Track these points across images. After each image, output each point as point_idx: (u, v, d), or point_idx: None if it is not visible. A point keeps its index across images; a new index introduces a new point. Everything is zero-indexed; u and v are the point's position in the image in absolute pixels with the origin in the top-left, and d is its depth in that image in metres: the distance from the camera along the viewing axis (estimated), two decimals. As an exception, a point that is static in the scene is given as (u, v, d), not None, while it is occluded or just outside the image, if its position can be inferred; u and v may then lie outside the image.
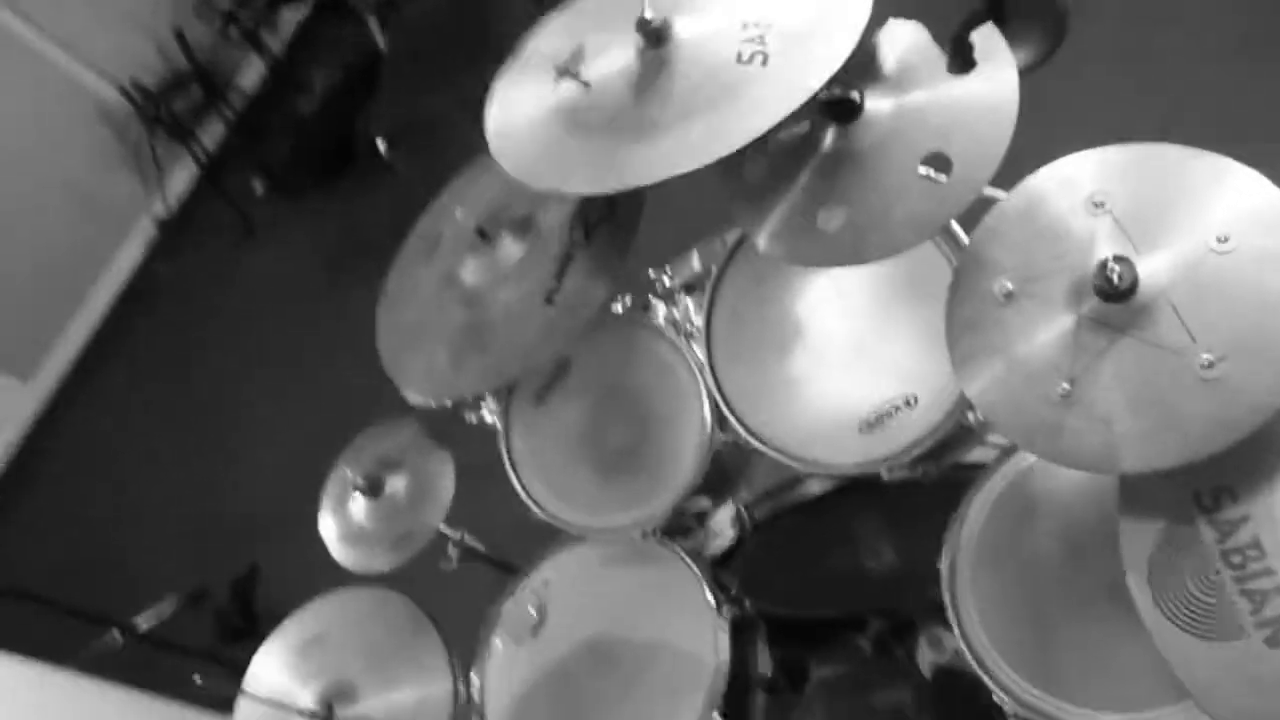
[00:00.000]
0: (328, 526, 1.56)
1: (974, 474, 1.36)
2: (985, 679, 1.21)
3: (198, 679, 1.29)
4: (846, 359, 1.33)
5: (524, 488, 1.52)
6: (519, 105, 1.24)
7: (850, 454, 1.29)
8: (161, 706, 2.22)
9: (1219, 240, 0.97)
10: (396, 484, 1.52)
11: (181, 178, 4.43)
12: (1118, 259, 0.99)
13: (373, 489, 1.50)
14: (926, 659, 1.69)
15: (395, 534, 1.47)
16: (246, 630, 2.83)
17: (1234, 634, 0.95)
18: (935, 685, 1.62)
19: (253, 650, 2.76)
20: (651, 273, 1.64)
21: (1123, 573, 1.03)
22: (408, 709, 1.40)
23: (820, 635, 1.58)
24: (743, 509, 1.62)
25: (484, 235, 1.40)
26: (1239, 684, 0.94)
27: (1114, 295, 0.99)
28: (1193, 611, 0.98)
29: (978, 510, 1.33)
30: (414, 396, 1.42)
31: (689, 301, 1.59)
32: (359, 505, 1.52)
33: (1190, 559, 0.99)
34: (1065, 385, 1.01)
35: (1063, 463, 1.02)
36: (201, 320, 3.92)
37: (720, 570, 1.58)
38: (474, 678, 1.51)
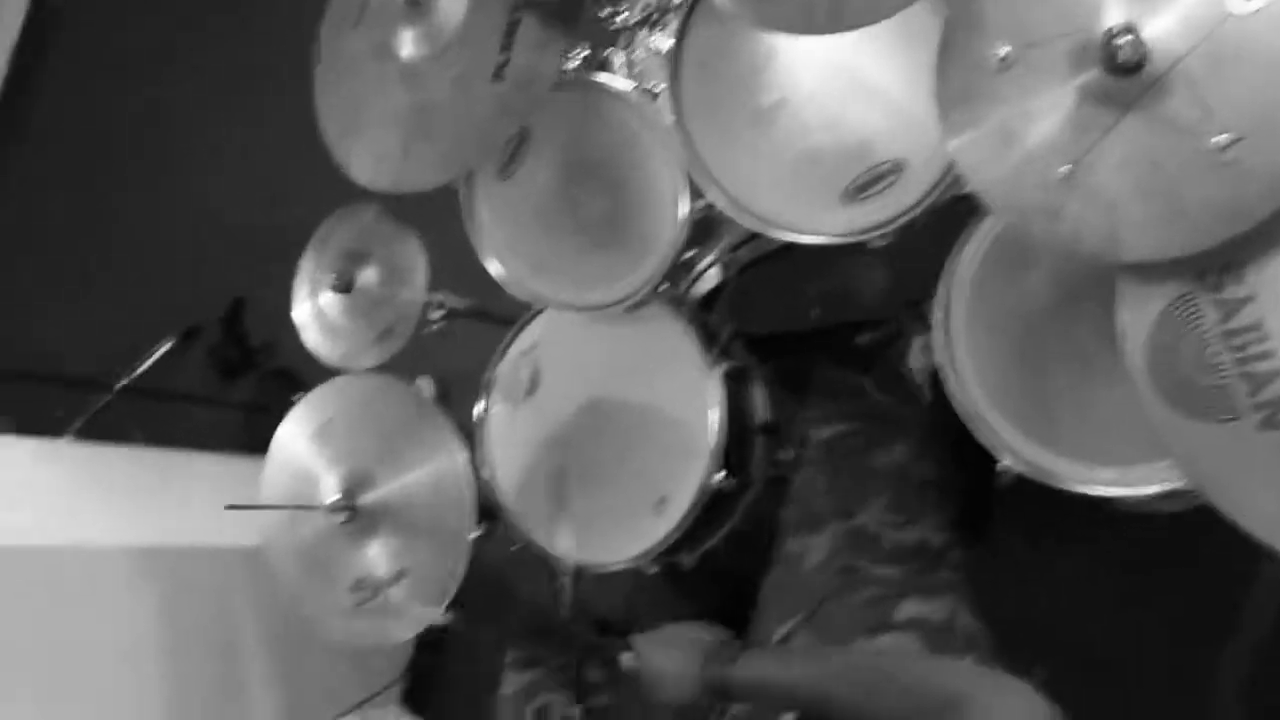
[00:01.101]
0: (302, 316, 1.52)
1: (970, 206, 1.30)
2: (980, 435, 1.22)
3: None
4: (829, 117, 1.21)
5: (501, 266, 1.46)
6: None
7: (833, 224, 1.22)
8: (170, 457, 2.24)
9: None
10: (368, 276, 1.46)
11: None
12: (1125, 29, 0.87)
13: (345, 286, 1.44)
14: (919, 364, 1.71)
15: (375, 329, 1.43)
16: (245, 364, 2.85)
17: (1229, 415, 0.94)
18: (935, 400, 1.64)
19: (253, 384, 2.82)
20: (604, 12, 1.47)
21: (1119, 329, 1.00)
22: (426, 487, 1.41)
23: (818, 381, 1.57)
24: (728, 251, 1.56)
25: (415, 3, 1.25)
26: (1230, 464, 0.95)
27: (1120, 70, 0.89)
28: (1189, 390, 0.96)
29: (971, 254, 1.28)
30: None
31: (649, 41, 1.44)
32: (332, 301, 1.47)
33: (1191, 338, 0.96)
34: (1066, 166, 0.94)
35: (1061, 250, 0.97)
36: (122, 44, 3.59)
37: (707, 313, 1.56)
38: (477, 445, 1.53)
